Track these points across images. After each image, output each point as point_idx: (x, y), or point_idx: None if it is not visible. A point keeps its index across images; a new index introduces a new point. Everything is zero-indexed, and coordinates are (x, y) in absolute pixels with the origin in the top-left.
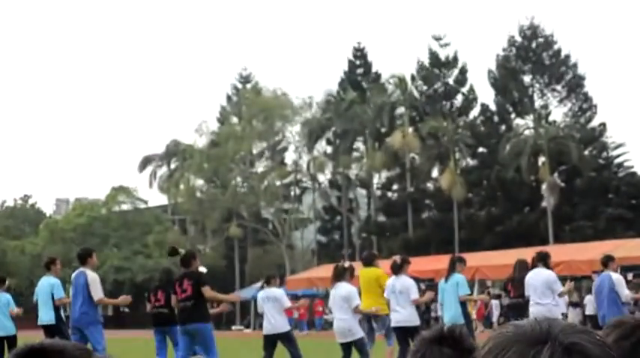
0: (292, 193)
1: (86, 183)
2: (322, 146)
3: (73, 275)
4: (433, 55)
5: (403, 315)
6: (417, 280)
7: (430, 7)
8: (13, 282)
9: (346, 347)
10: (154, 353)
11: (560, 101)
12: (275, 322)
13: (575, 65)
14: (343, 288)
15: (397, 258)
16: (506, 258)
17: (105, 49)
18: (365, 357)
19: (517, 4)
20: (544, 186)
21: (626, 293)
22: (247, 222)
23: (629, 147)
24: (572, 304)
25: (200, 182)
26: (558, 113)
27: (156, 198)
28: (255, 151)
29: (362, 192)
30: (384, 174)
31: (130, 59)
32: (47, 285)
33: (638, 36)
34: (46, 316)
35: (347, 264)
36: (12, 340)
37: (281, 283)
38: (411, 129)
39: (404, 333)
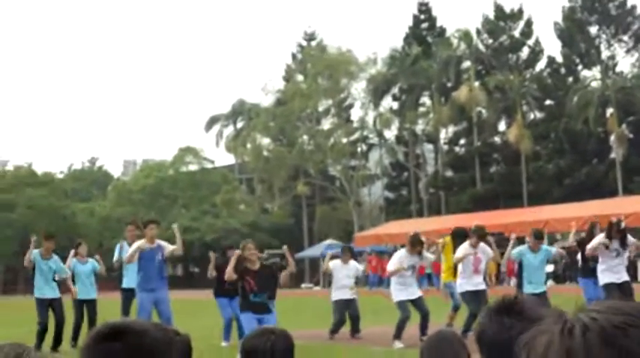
0: (359, 150)
1: (153, 144)
2: (388, 102)
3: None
4: (498, 8)
5: None
6: (490, 234)
7: None
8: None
9: None
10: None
11: (627, 51)
12: None
13: None
14: None
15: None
16: (575, 210)
17: (172, 12)
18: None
19: None
20: (612, 138)
21: None
22: (314, 180)
23: None
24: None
25: (266, 141)
26: (625, 64)
27: (223, 158)
28: (320, 109)
29: (429, 147)
30: (451, 129)
31: (196, 20)
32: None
33: None
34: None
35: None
36: (91, 304)
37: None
38: (477, 83)
39: None
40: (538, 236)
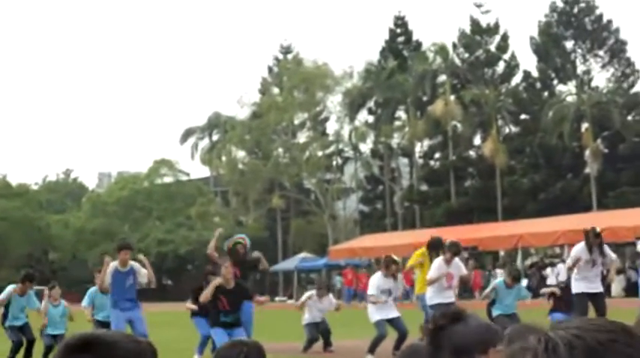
0: (334, 163)
1: (128, 157)
2: (364, 115)
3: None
4: (474, 23)
5: None
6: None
7: None
8: (57, 256)
9: None
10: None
11: (603, 66)
12: None
13: (617, 30)
14: None
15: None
16: (549, 225)
17: (147, 23)
18: None
19: None
20: (587, 153)
21: None
22: (290, 193)
23: None
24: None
25: (242, 153)
26: (601, 79)
27: (198, 171)
28: (296, 122)
29: (404, 161)
30: (426, 143)
31: (172, 32)
32: None
33: None
34: None
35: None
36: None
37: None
38: (452, 97)
39: None
40: (516, 277)
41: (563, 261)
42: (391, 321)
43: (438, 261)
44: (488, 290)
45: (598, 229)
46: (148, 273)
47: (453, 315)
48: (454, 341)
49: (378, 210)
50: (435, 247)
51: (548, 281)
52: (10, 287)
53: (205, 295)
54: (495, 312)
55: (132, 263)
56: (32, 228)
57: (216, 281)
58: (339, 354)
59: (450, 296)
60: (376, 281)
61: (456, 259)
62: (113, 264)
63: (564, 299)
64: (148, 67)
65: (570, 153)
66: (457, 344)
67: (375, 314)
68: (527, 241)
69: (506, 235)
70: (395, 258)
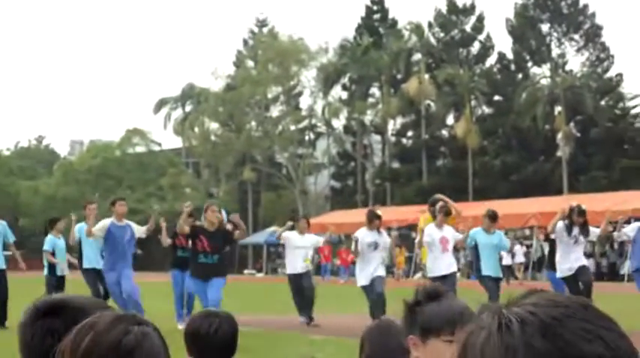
0: (307, 138)
1: (101, 125)
2: (337, 91)
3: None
4: (451, 2)
5: None
6: None
7: None
8: (27, 222)
9: None
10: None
11: (578, 50)
12: None
13: (593, 15)
14: None
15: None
16: (520, 206)
17: None
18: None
19: None
20: (559, 136)
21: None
22: (261, 167)
23: None
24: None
25: (215, 125)
26: (575, 62)
27: (170, 141)
28: (270, 96)
29: (377, 138)
30: (399, 121)
31: (148, 2)
32: None
33: None
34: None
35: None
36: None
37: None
38: (427, 76)
39: None
40: (492, 217)
41: (521, 243)
42: (372, 280)
43: (429, 225)
44: (462, 236)
45: (583, 206)
46: (149, 225)
47: (430, 293)
48: (424, 319)
49: (349, 186)
50: (432, 203)
51: (503, 262)
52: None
53: (180, 225)
54: (484, 271)
55: (126, 221)
56: (2, 193)
57: (188, 208)
58: (324, 329)
59: (450, 265)
60: (359, 234)
61: (447, 226)
62: (108, 220)
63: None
64: (123, 37)
65: (542, 135)
66: (426, 321)
67: (360, 276)
68: (498, 223)
69: (476, 215)
70: (378, 212)
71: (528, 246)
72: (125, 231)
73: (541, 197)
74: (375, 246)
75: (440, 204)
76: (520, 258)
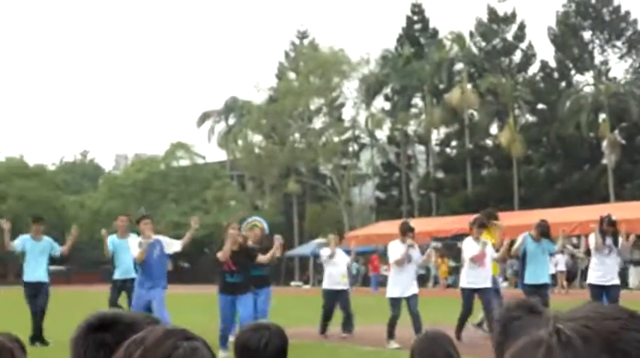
0: (350, 149)
1: (145, 139)
2: (380, 102)
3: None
4: (492, 11)
5: None
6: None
7: None
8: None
9: None
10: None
11: (621, 57)
12: None
13: (635, 22)
14: None
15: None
16: (566, 215)
17: (166, 6)
18: None
19: None
20: (604, 144)
21: None
22: (305, 178)
23: None
24: (632, 262)
25: (258, 138)
26: (619, 69)
27: (214, 154)
28: (312, 107)
29: (420, 148)
30: (443, 131)
31: (191, 16)
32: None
33: None
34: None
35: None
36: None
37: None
38: (469, 86)
39: None
40: (543, 232)
41: (562, 252)
42: (407, 300)
43: (468, 240)
44: (517, 243)
45: (614, 217)
46: (186, 239)
47: (530, 308)
48: (525, 333)
49: (394, 197)
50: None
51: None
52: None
53: (224, 252)
54: (527, 279)
55: (156, 236)
56: (48, 208)
57: (234, 237)
58: (357, 339)
59: (486, 279)
60: (396, 248)
61: (483, 239)
62: (137, 239)
63: None
64: (167, 50)
65: (587, 143)
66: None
67: (392, 288)
68: None
69: (522, 224)
70: (410, 224)
71: (573, 256)
72: (154, 247)
73: (587, 205)
74: (410, 259)
75: (475, 216)
76: (562, 267)
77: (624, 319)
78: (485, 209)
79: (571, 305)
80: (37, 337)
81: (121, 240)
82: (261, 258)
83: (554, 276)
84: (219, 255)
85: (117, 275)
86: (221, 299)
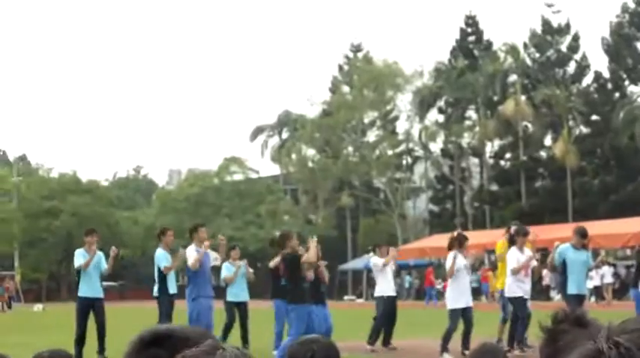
0: (404, 162)
1: (198, 154)
2: (434, 115)
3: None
4: (545, 22)
5: None
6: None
7: None
8: (127, 252)
9: None
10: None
11: None
12: None
13: None
14: None
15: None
16: (621, 226)
17: (218, 20)
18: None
19: None
20: None
21: None
22: (359, 192)
23: None
24: None
25: (312, 152)
26: None
27: (268, 168)
28: (366, 120)
29: (474, 160)
30: (497, 143)
31: (244, 30)
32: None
33: None
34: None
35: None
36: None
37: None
38: (523, 97)
39: None
40: (583, 234)
41: (609, 263)
42: (464, 311)
43: (513, 249)
44: (552, 254)
45: None
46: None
47: (577, 318)
48: (574, 345)
49: (447, 209)
50: (521, 233)
51: (592, 283)
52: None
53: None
54: (570, 289)
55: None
56: (102, 224)
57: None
58: (411, 352)
59: (527, 290)
60: (455, 258)
61: (527, 248)
62: (193, 247)
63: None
64: (220, 65)
65: None
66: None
67: (453, 300)
68: (597, 243)
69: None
70: (464, 234)
71: (629, 267)
72: (207, 258)
73: None
74: (468, 269)
75: (516, 226)
76: (608, 279)
77: None
78: (539, 220)
79: (613, 318)
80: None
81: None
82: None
83: (598, 289)
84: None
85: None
86: (276, 304)
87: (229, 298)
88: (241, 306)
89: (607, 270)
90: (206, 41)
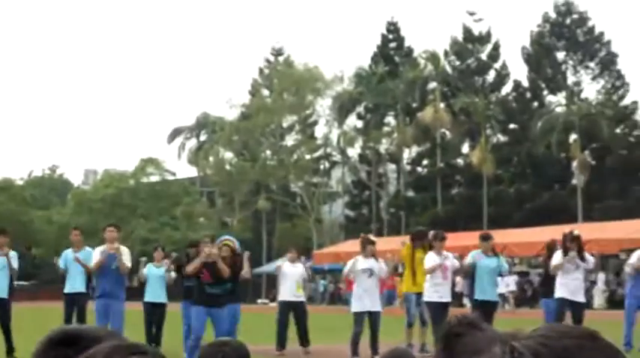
0: (322, 167)
1: (115, 154)
2: (353, 120)
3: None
4: (466, 30)
5: None
6: None
7: None
8: (40, 252)
9: None
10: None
11: (593, 78)
12: None
13: (608, 42)
14: None
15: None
16: (535, 235)
17: (137, 21)
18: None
19: None
20: (574, 164)
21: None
22: (276, 196)
23: None
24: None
25: (229, 154)
26: (591, 90)
27: (184, 170)
28: (285, 124)
29: (392, 167)
30: (414, 149)
31: (163, 30)
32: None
33: None
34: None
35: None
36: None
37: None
38: (442, 105)
39: None
40: (483, 237)
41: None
42: (370, 315)
43: (430, 253)
44: (466, 262)
45: (575, 232)
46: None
47: (470, 323)
48: (470, 351)
49: (363, 215)
50: (420, 238)
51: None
52: None
53: (193, 266)
54: (477, 295)
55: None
56: (16, 223)
57: (206, 253)
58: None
59: (446, 295)
60: (355, 262)
61: (445, 252)
62: (100, 248)
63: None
64: (138, 65)
65: (558, 163)
66: (474, 351)
67: (355, 303)
68: (511, 251)
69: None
70: (371, 238)
71: (541, 275)
72: (114, 258)
73: (556, 225)
74: (370, 273)
75: (433, 231)
76: (512, 287)
77: (582, 338)
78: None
79: (518, 325)
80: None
81: (75, 254)
82: (243, 273)
83: (502, 296)
84: (187, 269)
85: (67, 288)
86: (195, 311)
87: (147, 299)
88: (158, 307)
89: (511, 279)
90: (125, 40)
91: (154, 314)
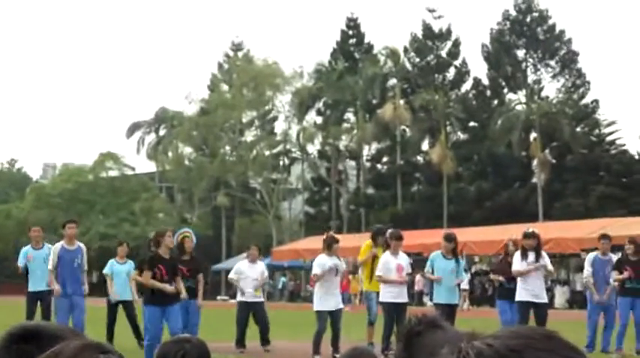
0: (281, 163)
1: (74, 149)
2: (312, 116)
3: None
4: (426, 27)
5: None
6: (407, 254)
7: None
8: None
9: None
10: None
11: (554, 77)
12: None
13: (569, 41)
14: None
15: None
16: (495, 233)
17: (95, 14)
18: None
19: None
20: (535, 162)
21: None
22: (235, 192)
23: (621, 125)
24: (559, 282)
25: (188, 150)
26: (551, 89)
27: (143, 165)
28: (244, 120)
29: (351, 163)
30: (374, 146)
31: (121, 24)
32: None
33: (632, 14)
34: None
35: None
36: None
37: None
38: (402, 102)
39: None
40: (447, 238)
41: (466, 271)
42: (331, 314)
43: (385, 255)
44: (427, 267)
45: (530, 230)
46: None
47: (430, 322)
48: (430, 349)
49: (323, 212)
50: (379, 233)
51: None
52: None
53: (145, 279)
54: (436, 298)
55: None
56: None
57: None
58: (281, 354)
59: (402, 295)
60: (320, 260)
61: (402, 252)
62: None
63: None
64: (96, 59)
65: (518, 162)
66: (429, 352)
67: (318, 302)
68: (471, 249)
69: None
70: (336, 236)
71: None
72: (75, 255)
73: (516, 224)
74: (336, 271)
75: (390, 230)
76: (464, 285)
77: (535, 338)
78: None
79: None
80: None
81: (35, 251)
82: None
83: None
84: (142, 280)
85: (31, 286)
86: (149, 311)
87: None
88: (125, 304)
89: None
90: (83, 33)
91: (124, 311)
